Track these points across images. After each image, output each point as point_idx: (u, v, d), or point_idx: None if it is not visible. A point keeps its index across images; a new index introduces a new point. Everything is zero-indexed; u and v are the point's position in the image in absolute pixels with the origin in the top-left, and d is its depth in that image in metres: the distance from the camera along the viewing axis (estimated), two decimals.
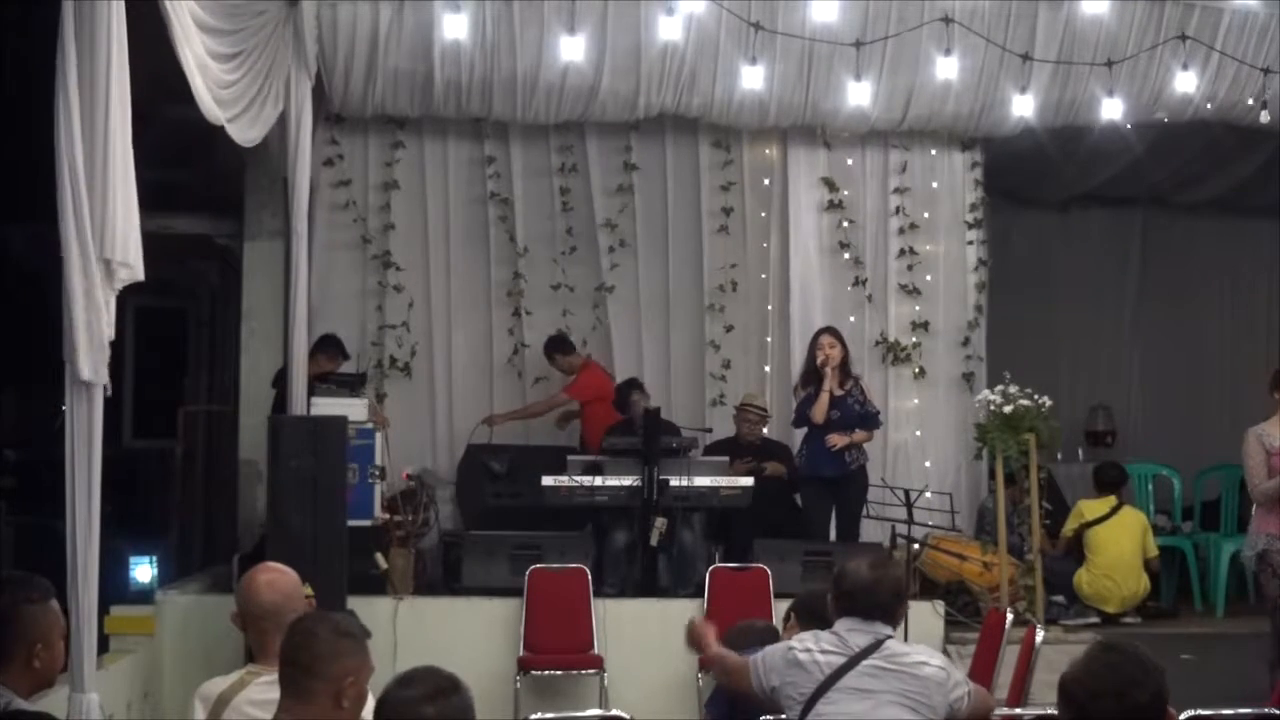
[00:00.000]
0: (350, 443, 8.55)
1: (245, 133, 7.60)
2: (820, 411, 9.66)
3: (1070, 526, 10.16)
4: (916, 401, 10.92)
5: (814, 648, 4.49)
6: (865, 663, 4.40)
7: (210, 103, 6.72)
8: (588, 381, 10.43)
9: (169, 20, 5.97)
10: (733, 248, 10.95)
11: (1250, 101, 10.03)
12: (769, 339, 11.00)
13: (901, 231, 10.97)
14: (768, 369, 10.97)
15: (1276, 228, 13.14)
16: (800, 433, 10.00)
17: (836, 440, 9.61)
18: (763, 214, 11.02)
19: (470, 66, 9.85)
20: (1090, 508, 10.18)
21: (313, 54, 9.01)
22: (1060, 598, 9.93)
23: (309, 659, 3.49)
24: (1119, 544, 9.97)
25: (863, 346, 10.73)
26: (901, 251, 10.95)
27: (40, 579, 4.00)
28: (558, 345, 10.57)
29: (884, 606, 4.53)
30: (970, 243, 11.04)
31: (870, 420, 9.85)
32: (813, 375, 9.80)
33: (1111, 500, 10.17)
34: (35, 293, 10.43)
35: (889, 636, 4.51)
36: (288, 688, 3.52)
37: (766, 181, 11.03)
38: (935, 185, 11.02)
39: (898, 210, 10.96)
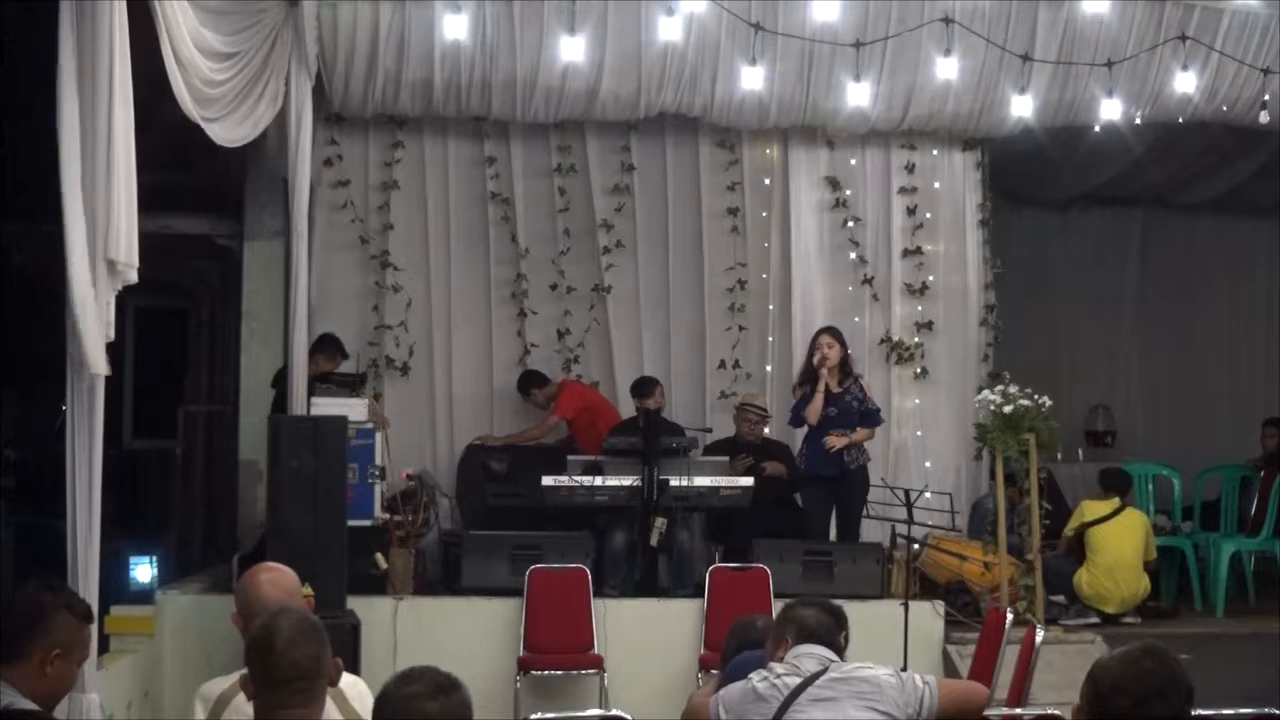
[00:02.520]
0: (350, 443, 8.54)
1: (229, 133, 7.48)
2: (814, 412, 9.68)
3: (1072, 526, 10.17)
4: (918, 401, 10.92)
5: (770, 676, 4.74)
6: (819, 680, 4.67)
7: (189, 101, 6.64)
8: (569, 399, 10.43)
9: (156, 16, 5.94)
10: (733, 248, 10.94)
11: (1250, 102, 10.02)
12: (770, 339, 11.00)
13: (912, 231, 10.96)
14: (769, 369, 10.97)
15: (1276, 228, 13.15)
16: (801, 432, 10.00)
17: (834, 441, 9.61)
18: (764, 214, 11.01)
19: (470, 67, 9.85)
20: (1093, 508, 10.19)
21: (313, 54, 9.00)
22: (1060, 597, 9.93)
23: (312, 664, 3.48)
24: (1120, 544, 9.97)
25: (864, 346, 10.73)
26: (906, 251, 10.95)
27: (86, 602, 4.07)
28: (532, 380, 10.58)
29: (836, 643, 4.90)
30: (981, 243, 11.04)
31: (870, 418, 9.83)
32: (810, 374, 9.80)
33: (1115, 502, 10.18)
34: (36, 293, 10.44)
35: (834, 661, 4.80)
36: (292, 699, 3.46)
37: (767, 181, 11.02)
38: (937, 185, 11.02)
39: (910, 211, 10.93)
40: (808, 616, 4.89)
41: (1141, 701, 3.08)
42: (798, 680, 4.65)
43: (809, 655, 4.75)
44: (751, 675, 4.78)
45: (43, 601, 3.79)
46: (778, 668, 4.75)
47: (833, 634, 4.88)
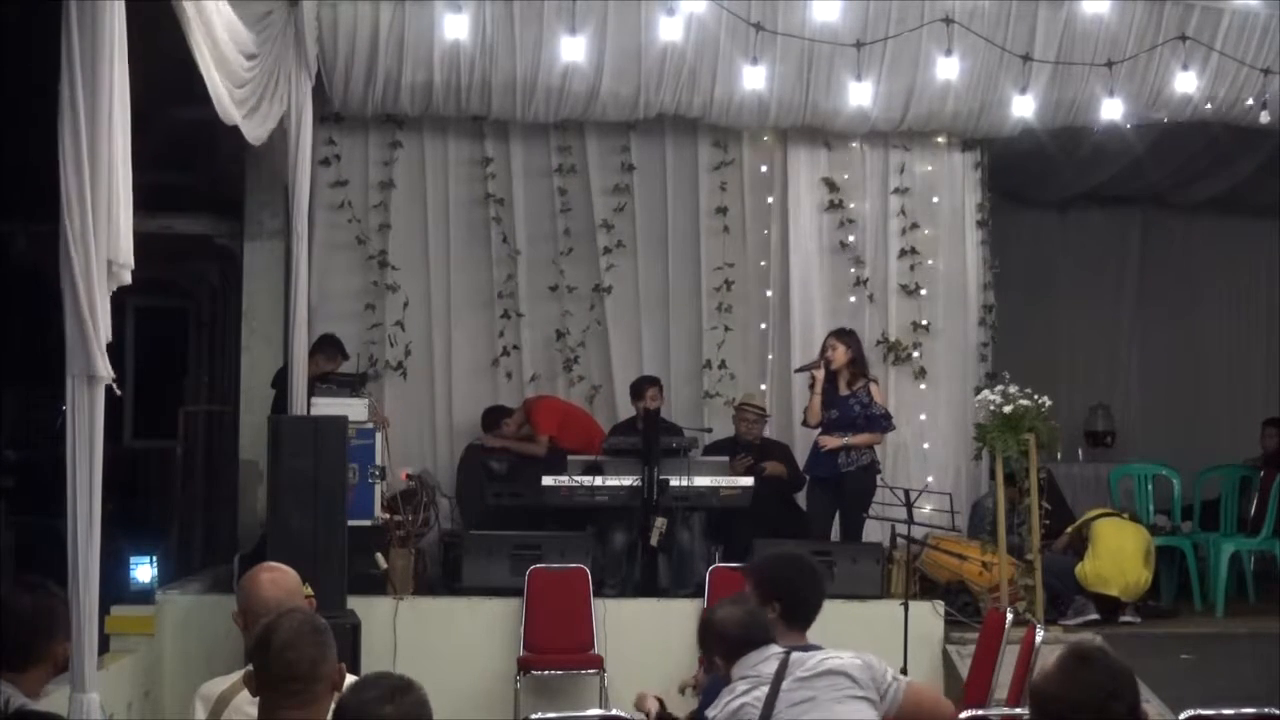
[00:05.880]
0: (350, 443, 8.55)
1: (255, 130, 7.62)
2: (812, 413, 9.69)
3: (1081, 520, 10.28)
4: (917, 402, 10.92)
5: (730, 698, 4.48)
6: (785, 682, 4.43)
7: (228, 102, 6.72)
8: (544, 416, 10.37)
9: (184, 19, 5.93)
10: (732, 248, 10.95)
11: (1250, 101, 10.03)
12: (769, 339, 11.00)
13: (902, 232, 10.97)
14: (767, 369, 10.97)
15: (1276, 228, 13.15)
16: (813, 433, 9.99)
17: (825, 441, 9.61)
18: (762, 214, 11.02)
19: (470, 67, 9.86)
20: (1103, 510, 10.38)
21: (313, 54, 9.01)
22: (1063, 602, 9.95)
23: (308, 666, 3.49)
24: (1123, 535, 10.09)
25: (863, 346, 10.72)
26: (902, 252, 10.96)
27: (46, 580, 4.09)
28: (499, 414, 10.51)
29: (765, 634, 4.56)
30: (979, 243, 11.05)
31: (874, 423, 9.74)
32: (824, 375, 9.78)
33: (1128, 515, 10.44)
34: (35, 293, 10.45)
35: (784, 651, 4.53)
36: (288, 700, 3.46)
37: (766, 181, 11.02)
38: (936, 185, 11.02)
39: (901, 211, 10.95)
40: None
41: (1099, 709, 3.09)
42: (765, 690, 4.42)
43: (759, 662, 4.48)
44: (708, 711, 4.56)
45: (54, 606, 3.86)
46: (739, 685, 4.49)
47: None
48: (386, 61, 9.81)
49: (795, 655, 4.49)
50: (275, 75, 8.09)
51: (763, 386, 10.87)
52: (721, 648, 4.57)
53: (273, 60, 8.01)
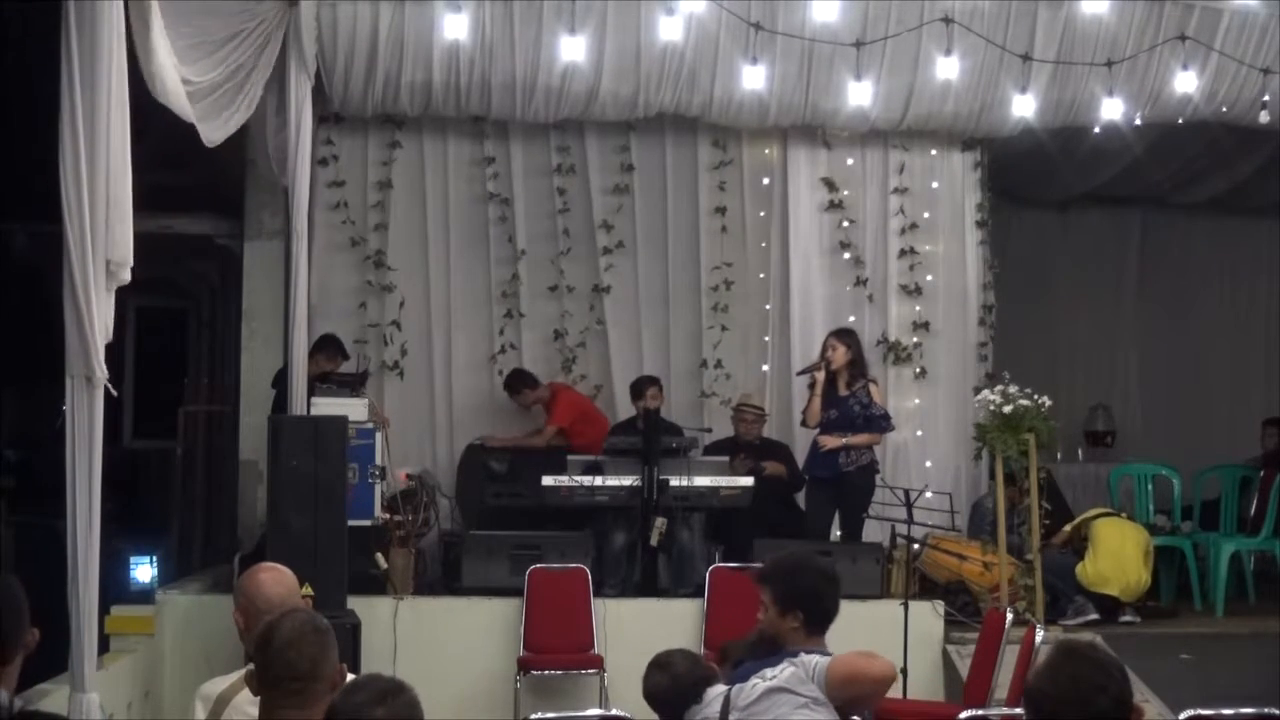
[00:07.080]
0: (350, 443, 8.55)
1: (211, 133, 7.31)
2: (811, 414, 9.67)
3: (1080, 519, 10.30)
4: (917, 401, 10.92)
5: None
6: (731, 716, 4.51)
7: (176, 97, 6.47)
8: (565, 406, 10.40)
9: (130, 11, 5.81)
10: (732, 248, 10.95)
11: (1250, 102, 10.03)
12: (768, 339, 11.00)
13: (902, 232, 10.97)
14: (766, 369, 10.98)
15: (1276, 228, 13.16)
16: (813, 433, 9.99)
17: (826, 441, 9.61)
18: (762, 214, 11.02)
19: (470, 67, 9.87)
20: (1102, 510, 10.38)
21: (312, 54, 9.00)
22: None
23: (309, 666, 3.49)
24: (1122, 536, 10.10)
25: (863, 347, 10.72)
26: (902, 252, 10.96)
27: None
28: (523, 380, 10.52)
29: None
30: (979, 243, 11.06)
31: (873, 423, 9.73)
32: (824, 376, 9.78)
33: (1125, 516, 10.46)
34: (35, 293, 10.46)
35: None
36: (288, 699, 3.46)
37: (766, 181, 11.03)
38: (935, 185, 11.03)
39: (901, 211, 10.96)
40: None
41: (1085, 703, 3.11)
42: None
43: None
44: None
45: (18, 595, 3.82)
46: None
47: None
48: (386, 61, 9.82)
49: (735, 689, 4.57)
50: (243, 77, 7.75)
51: (762, 386, 10.87)
52: (667, 713, 4.70)
53: (239, 60, 7.59)
